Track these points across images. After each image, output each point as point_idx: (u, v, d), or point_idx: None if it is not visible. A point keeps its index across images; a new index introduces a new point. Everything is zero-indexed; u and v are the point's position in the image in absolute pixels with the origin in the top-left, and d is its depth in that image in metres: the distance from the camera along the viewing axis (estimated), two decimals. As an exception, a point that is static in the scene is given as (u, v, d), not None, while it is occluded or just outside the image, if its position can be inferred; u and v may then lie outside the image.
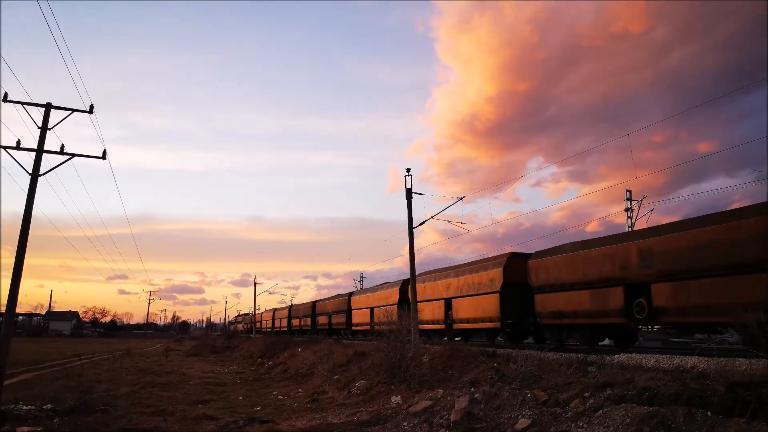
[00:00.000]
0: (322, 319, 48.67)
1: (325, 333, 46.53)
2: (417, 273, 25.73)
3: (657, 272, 15.56)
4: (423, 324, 26.72)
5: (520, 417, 9.05)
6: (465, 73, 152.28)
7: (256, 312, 78.67)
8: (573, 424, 8.06)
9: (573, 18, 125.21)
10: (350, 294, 43.93)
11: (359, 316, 39.23)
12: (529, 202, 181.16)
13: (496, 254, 24.01)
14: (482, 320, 23.49)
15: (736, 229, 13.46)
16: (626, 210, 34.20)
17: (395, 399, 13.39)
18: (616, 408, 7.86)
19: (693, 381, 8.38)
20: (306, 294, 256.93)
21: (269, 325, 70.00)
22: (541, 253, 21.49)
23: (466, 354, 15.30)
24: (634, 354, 13.43)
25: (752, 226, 13.09)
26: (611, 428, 7.37)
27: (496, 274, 22.50)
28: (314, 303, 52.48)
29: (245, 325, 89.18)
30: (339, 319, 43.91)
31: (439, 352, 16.44)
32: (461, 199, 23.08)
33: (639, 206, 33.75)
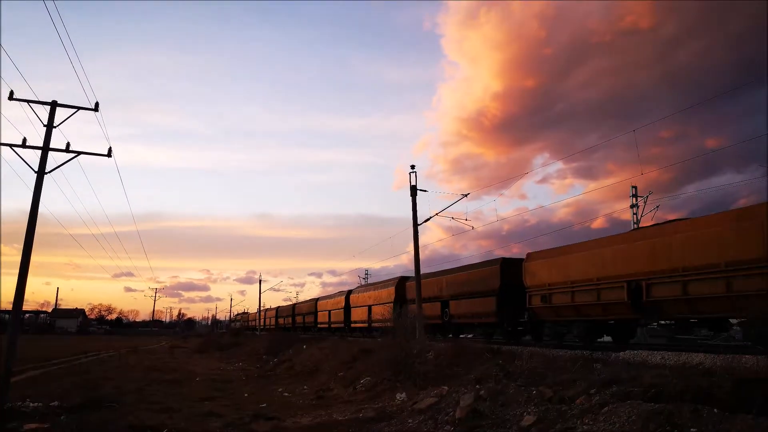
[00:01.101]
0: (299, 319, 58.52)
1: (302, 329, 55.39)
2: (368, 283, 37.56)
3: (450, 294, 27.25)
4: (354, 323, 41.50)
5: (525, 414, 9.05)
6: (472, 69, 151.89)
7: (252, 312, 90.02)
8: (579, 421, 8.05)
9: (581, 13, 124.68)
10: (317, 299, 53.47)
11: (322, 317, 49.81)
12: (535, 199, 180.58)
13: (437, 269, 32.69)
14: (384, 321, 32.20)
15: (472, 274, 25.43)
16: (632, 206, 34.10)
17: (400, 396, 13.41)
18: (622, 405, 7.85)
19: (699, 378, 8.36)
20: (311, 291, 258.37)
21: (261, 323, 77.83)
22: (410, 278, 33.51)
23: (471, 351, 15.31)
24: (639, 351, 13.42)
25: (479, 273, 24.66)
26: (617, 425, 7.36)
27: (392, 290, 34.43)
28: (294, 305, 63.75)
29: (242, 324, 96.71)
30: (309, 319, 53.89)
31: (444, 350, 16.45)
32: (466, 196, 23.13)
33: (645, 203, 33.63)
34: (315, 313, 51.71)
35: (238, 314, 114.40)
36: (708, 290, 14.53)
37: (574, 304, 19.03)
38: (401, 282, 34.04)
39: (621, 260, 17.28)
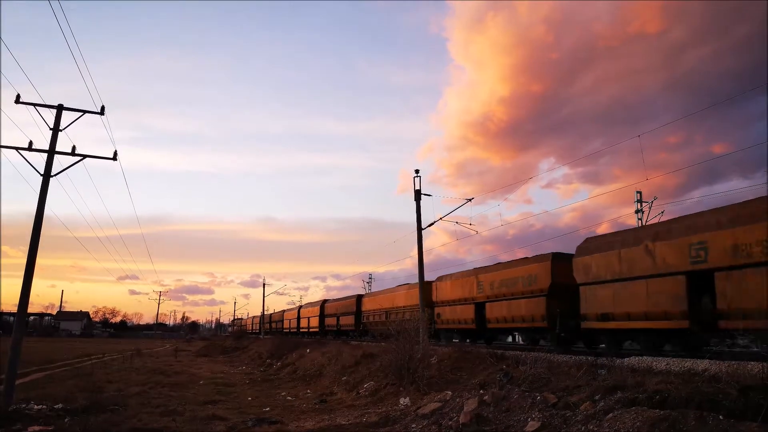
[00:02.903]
0: (274, 325, 78.82)
1: (275, 331, 73.41)
2: (308, 302, 64.66)
3: (340, 313, 48.31)
4: (302, 329, 60.88)
5: (529, 419, 9.01)
6: (478, 73, 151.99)
7: (247, 317, 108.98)
8: (583, 427, 8.01)
9: (588, 18, 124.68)
10: (284, 310, 75.97)
11: (287, 323, 70.21)
12: (540, 204, 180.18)
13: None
14: (311, 327, 56.37)
15: (346, 301, 48.11)
16: (636, 212, 34.02)
17: (404, 400, 13.37)
18: (627, 411, 7.80)
19: (704, 384, 8.30)
20: (315, 295, 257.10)
21: (249, 328, 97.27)
22: (330, 300, 54.89)
23: (475, 356, 15.27)
24: (644, 357, 13.36)
25: (348, 301, 46.98)
26: (622, 431, 7.31)
27: (318, 308, 54.84)
28: (271, 314, 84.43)
29: (237, 328, 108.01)
30: (279, 325, 74.91)
31: (448, 354, 16.41)
32: (470, 200, 23.09)
33: (650, 208, 33.55)
34: (282, 320, 72.89)
35: (234, 320, 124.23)
36: (406, 316, 26.14)
37: (377, 321, 38.57)
38: (323, 303, 54.69)
39: (385, 301, 38.28)
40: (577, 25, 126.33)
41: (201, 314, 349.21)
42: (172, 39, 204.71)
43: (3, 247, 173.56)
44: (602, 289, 18.01)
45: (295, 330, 63.24)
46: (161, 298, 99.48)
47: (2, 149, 15.61)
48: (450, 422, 10.18)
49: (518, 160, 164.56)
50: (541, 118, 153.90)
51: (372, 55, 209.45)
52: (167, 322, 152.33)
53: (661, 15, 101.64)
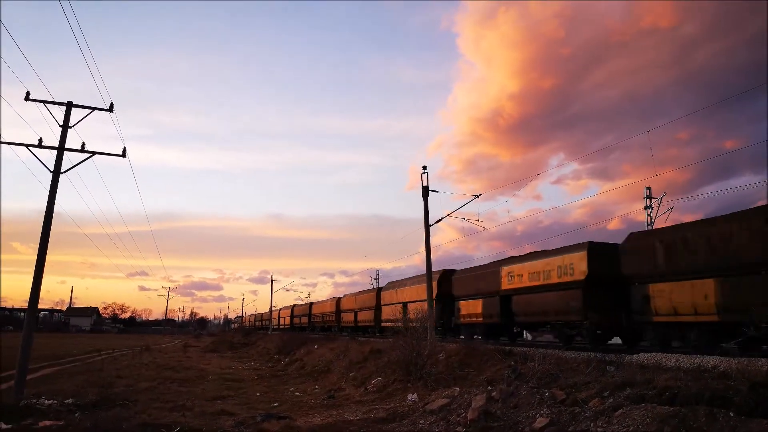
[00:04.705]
0: (264, 322, 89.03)
1: (261, 328, 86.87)
2: (287, 306, 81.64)
3: (300, 314, 67.44)
4: (281, 326, 78.42)
5: (537, 416, 8.98)
6: (488, 69, 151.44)
7: (246, 315, 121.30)
8: (592, 424, 7.99)
9: (600, 13, 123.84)
10: (271, 311, 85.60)
11: (273, 321, 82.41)
12: (549, 200, 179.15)
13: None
14: (285, 324, 76.27)
15: (304, 306, 68.58)
16: (645, 208, 33.81)
17: (412, 396, 13.38)
18: (636, 408, 7.77)
19: (714, 381, 8.26)
20: (323, 291, 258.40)
21: (248, 325, 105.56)
22: (298, 304, 76.63)
23: (483, 352, 15.24)
24: (654, 354, 13.31)
25: (303, 307, 69.18)
26: (631, 428, 7.28)
27: (289, 311, 75.26)
28: (262, 314, 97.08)
29: (238, 325, 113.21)
30: (267, 323, 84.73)
31: (456, 351, 16.39)
32: (477, 197, 23.10)
33: (659, 204, 33.32)
34: (270, 319, 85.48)
35: (236, 317, 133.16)
36: (329, 318, 53.36)
37: (319, 320, 56.71)
38: (293, 307, 73.43)
39: (322, 308, 57.28)
40: (589, 21, 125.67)
41: (209, 310, 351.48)
42: (179, 37, 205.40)
43: (13, 244, 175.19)
44: (388, 308, 37.31)
45: (277, 326, 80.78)
46: (170, 294, 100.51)
47: (13, 146, 15.73)
48: (458, 418, 10.18)
49: (527, 156, 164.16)
50: (551, 114, 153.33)
51: (381, 52, 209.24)
52: (176, 318, 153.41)
53: (674, 10, 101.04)
